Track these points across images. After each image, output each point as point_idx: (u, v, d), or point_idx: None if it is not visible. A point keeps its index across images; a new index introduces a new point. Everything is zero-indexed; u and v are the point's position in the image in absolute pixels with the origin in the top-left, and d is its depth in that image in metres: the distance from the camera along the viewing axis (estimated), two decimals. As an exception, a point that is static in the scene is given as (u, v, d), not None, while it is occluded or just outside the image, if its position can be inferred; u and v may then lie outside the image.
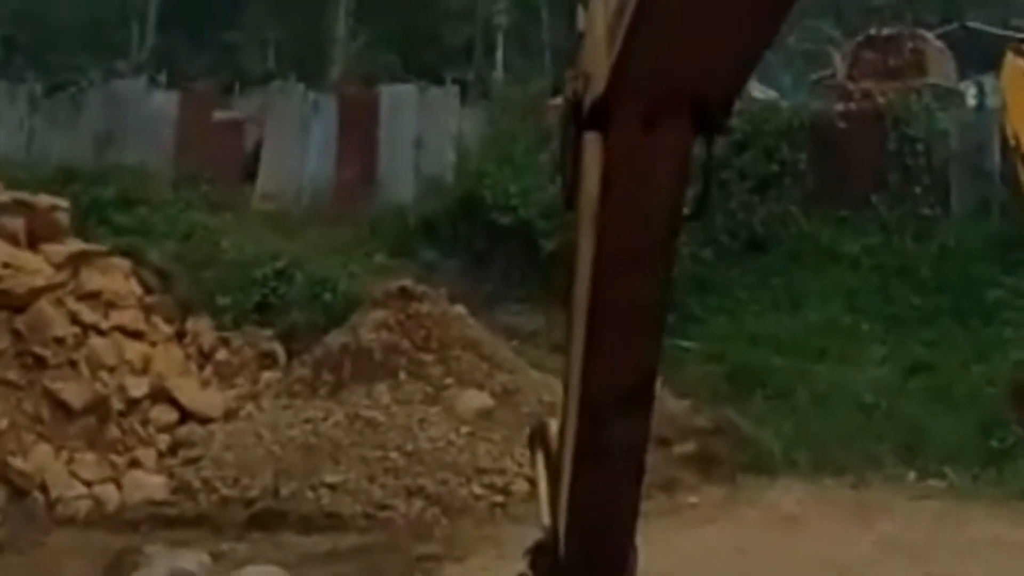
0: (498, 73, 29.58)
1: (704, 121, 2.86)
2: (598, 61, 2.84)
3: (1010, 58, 21.06)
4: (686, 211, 3.05)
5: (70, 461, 16.36)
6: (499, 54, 30.53)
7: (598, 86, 2.84)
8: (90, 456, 16.48)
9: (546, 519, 4.42)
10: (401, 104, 25.94)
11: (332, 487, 15.86)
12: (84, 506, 15.89)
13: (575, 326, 3.41)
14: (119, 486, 16.27)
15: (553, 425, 4.33)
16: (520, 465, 16.58)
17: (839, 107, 25.36)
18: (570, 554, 4.15)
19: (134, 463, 16.83)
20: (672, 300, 3.26)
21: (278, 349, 19.61)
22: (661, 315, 3.31)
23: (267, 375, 19.10)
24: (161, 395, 17.98)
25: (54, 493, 15.87)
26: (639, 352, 3.34)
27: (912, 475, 18.00)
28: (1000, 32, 30.56)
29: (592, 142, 2.97)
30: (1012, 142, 20.65)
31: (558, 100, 27.30)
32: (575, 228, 3.34)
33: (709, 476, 17.34)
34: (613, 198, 2.97)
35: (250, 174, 25.82)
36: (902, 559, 14.01)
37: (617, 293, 3.16)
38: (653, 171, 2.92)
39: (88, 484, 16.13)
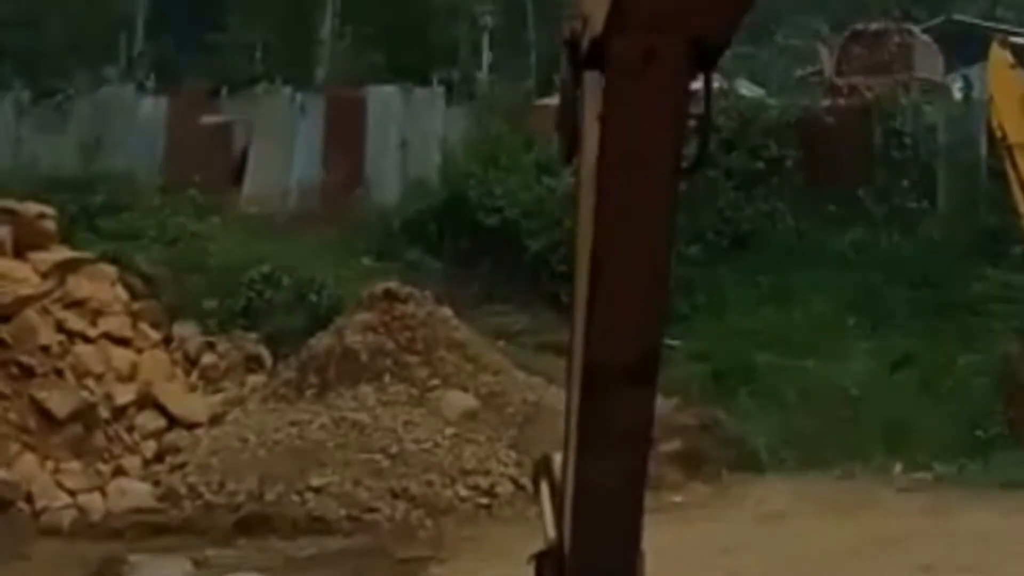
0: (484, 74, 29.61)
1: (702, 59, 2.87)
2: (597, 1, 2.85)
3: (996, 50, 21.13)
4: (684, 165, 3.04)
5: (56, 471, 16.39)
6: (485, 55, 30.57)
7: (597, 26, 2.84)
8: (75, 465, 16.51)
9: (551, 532, 4.31)
10: (387, 105, 25.95)
11: (317, 490, 15.90)
12: (69, 516, 15.87)
13: (578, 298, 3.38)
14: (104, 494, 16.26)
15: (557, 458, 4.28)
16: (505, 466, 16.65)
17: (826, 103, 25.43)
18: (576, 556, 4.06)
19: (119, 471, 16.85)
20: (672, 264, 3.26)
21: (264, 352, 19.64)
22: (664, 276, 3.25)
23: (253, 379, 19.13)
24: (147, 401, 18.03)
25: (39, 503, 15.88)
26: (642, 317, 3.30)
27: (898, 468, 18.11)
28: (986, 25, 30.63)
29: (592, 92, 2.98)
30: (999, 133, 20.73)
31: (544, 101, 27.37)
32: (576, 191, 3.33)
33: (695, 474, 17.39)
34: (612, 139, 2.95)
35: (238, 177, 25.81)
36: (889, 551, 14.07)
37: (619, 249, 3.14)
38: (652, 108, 2.91)
39: (73, 494, 16.13)
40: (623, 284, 3.20)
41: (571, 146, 3.17)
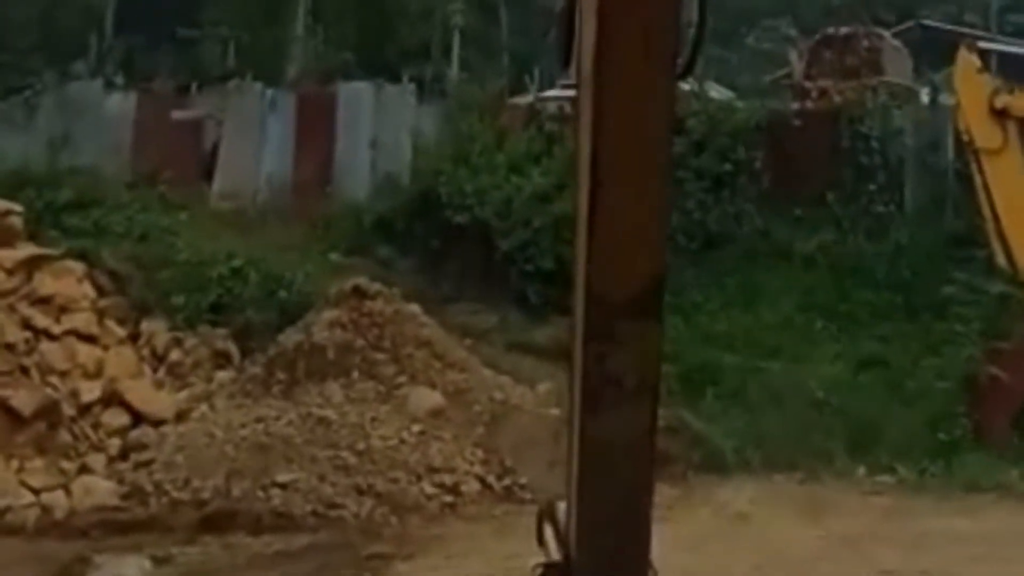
0: (455, 72, 29.58)
1: None
2: None
3: (962, 54, 21.29)
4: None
5: (20, 469, 16.27)
6: (456, 53, 30.53)
7: None
8: (40, 463, 16.39)
9: (555, 555, 4.08)
10: (358, 102, 25.89)
11: (283, 487, 15.87)
12: (33, 515, 15.76)
13: (578, 234, 3.26)
14: (69, 493, 16.16)
15: (561, 506, 4.09)
16: (471, 464, 16.68)
17: (795, 106, 25.47)
18: (583, 551, 3.81)
19: (84, 469, 16.73)
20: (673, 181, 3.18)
21: (232, 348, 19.56)
22: (664, 193, 3.17)
23: (221, 375, 19.04)
24: (113, 398, 17.92)
25: (3, 502, 15.75)
26: (645, 238, 3.20)
27: (862, 471, 18.19)
28: (955, 29, 30.80)
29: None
30: (965, 138, 20.92)
31: (516, 100, 27.42)
32: (576, 114, 3.27)
33: (661, 475, 17.21)
34: (610, 16, 2.95)
35: (208, 173, 25.72)
36: (852, 554, 14.14)
37: (619, 155, 3.07)
38: None
39: (37, 492, 16.02)
40: (624, 197, 3.12)
41: (569, 43, 3.16)
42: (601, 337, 3.28)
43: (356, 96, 26.08)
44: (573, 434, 3.60)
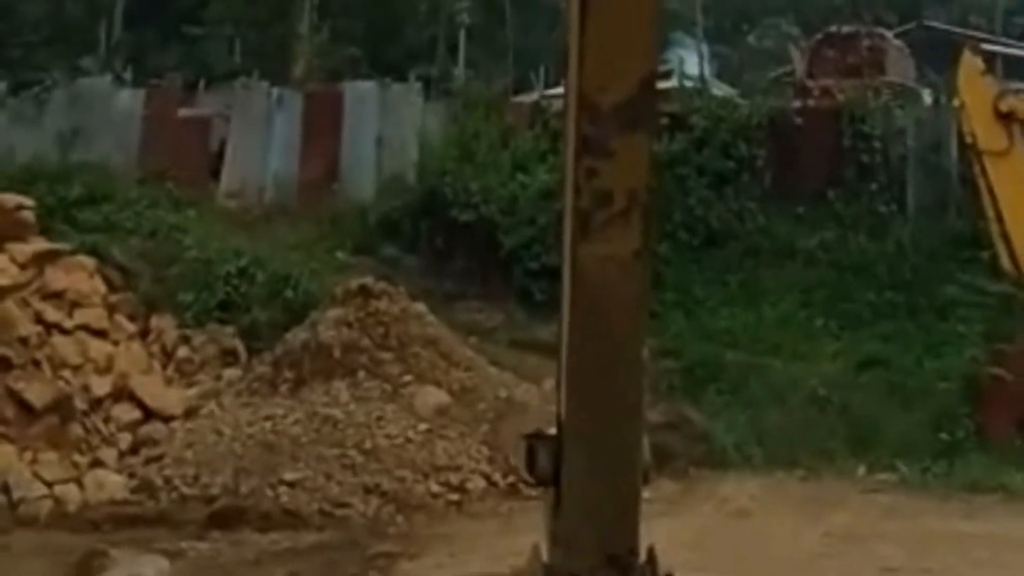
0: (461, 71, 29.66)
1: None
2: None
3: (967, 56, 21.35)
4: None
5: (33, 462, 16.38)
6: (462, 52, 30.60)
7: None
8: (52, 456, 16.49)
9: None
10: (364, 101, 25.99)
11: (291, 485, 15.97)
12: (46, 506, 15.89)
13: (572, 39, 3.23)
14: (81, 486, 16.29)
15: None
16: (476, 462, 16.80)
17: (797, 104, 25.55)
18: (572, 401, 3.67)
19: (96, 462, 16.87)
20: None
21: (239, 346, 19.72)
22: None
23: (228, 373, 19.19)
24: (123, 393, 18.08)
25: (16, 494, 15.85)
26: (635, 37, 3.15)
27: (863, 469, 18.33)
28: (958, 31, 30.88)
29: None
30: (969, 139, 20.96)
31: (521, 98, 27.51)
32: None
33: (663, 471, 17.45)
34: None
35: (216, 171, 25.86)
36: (853, 552, 14.20)
37: None
38: None
39: (50, 484, 16.13)
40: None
41: None
42: (592, 151, 3.25)
43: (362, 95, 26.18)
44: (565, 264, 3.53)
